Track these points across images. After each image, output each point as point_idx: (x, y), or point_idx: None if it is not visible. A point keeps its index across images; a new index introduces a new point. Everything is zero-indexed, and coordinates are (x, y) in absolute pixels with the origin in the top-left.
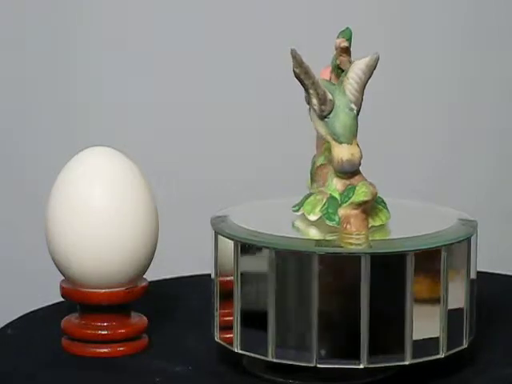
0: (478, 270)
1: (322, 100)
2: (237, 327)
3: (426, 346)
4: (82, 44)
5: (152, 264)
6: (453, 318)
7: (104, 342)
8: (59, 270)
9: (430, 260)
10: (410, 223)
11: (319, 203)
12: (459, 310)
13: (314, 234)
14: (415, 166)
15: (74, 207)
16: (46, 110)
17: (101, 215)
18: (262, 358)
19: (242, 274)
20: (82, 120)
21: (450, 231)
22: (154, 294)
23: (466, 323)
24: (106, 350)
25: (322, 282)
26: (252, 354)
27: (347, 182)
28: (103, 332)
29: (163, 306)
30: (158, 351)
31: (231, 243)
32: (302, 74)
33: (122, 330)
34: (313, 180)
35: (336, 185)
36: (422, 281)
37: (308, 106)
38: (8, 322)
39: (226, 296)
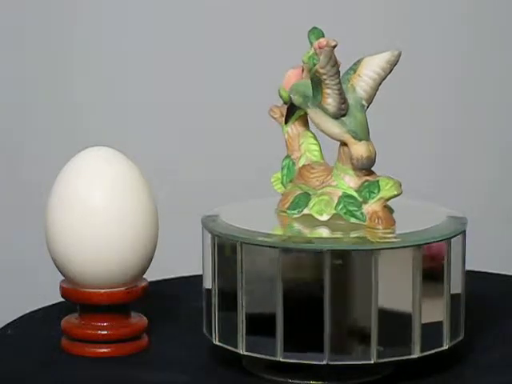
0: (478, 270)
1: (343, 99)
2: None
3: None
4: (81, 44)
5: (152, 264)
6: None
7: (104, 342)
8: (59, 270)
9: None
10: (407, 220)
11: (329, 203)
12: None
13: (326, 232)
14: (415, 166)
15: (74, 207)
16: (46, 110)
17: (101, 215)
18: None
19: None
20: (82, 120)
21: (441, 227)
22: (154, 293)
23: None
24: (105, 350)
25: (384, 277)
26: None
27: (363, 178)
28: (103, 332)
29: (163, 306)
30: (157, 351)
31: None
32: (331, 73)
33: (122, 330)
34: (293, 181)
35: (349, 183)
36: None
37: (275, 116)
38: (8, 322)
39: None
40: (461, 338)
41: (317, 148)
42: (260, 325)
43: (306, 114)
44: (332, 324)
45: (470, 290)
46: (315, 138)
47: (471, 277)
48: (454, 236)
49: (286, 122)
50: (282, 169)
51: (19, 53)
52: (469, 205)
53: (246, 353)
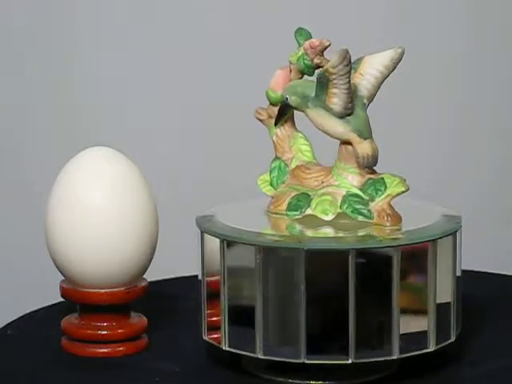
0: (477, 269)
1: (350, 98)
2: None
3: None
4: (82, 44)
5: (152, 264)
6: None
7: (104, 342)
8: (59, 270)
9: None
10: (406, 218)
11: (333, 202)
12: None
13: (331, 232)
14: (415, 166)
15: (74, 207)
16: (46, 110)
17: (101, 215)
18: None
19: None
20: (82, 120)
21: (436, 226)
22: (154, 293)
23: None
24: (105, 350)
25: (403, 273)
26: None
27: (366, 177)
28: (103, 332)
29: (163, 306)
30: (157, 351)
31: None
32: (342, 73)
33: (122, 330)
34: (285, 182)
35: (352, 181)
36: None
37: (261, 118)
38: (8, 322)
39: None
40: (459, 329)
41: (308, 149)
42: (280, 327)
43: (293, 114)
44: (356, 323)
45: (470, 290)
46: (306, 138)
47: (471, 277)
48: (456, 232)
49: (277, 123)
50: (272, 171)
51: (19, 53)
52: (468, 205)
53: (264, 357)
